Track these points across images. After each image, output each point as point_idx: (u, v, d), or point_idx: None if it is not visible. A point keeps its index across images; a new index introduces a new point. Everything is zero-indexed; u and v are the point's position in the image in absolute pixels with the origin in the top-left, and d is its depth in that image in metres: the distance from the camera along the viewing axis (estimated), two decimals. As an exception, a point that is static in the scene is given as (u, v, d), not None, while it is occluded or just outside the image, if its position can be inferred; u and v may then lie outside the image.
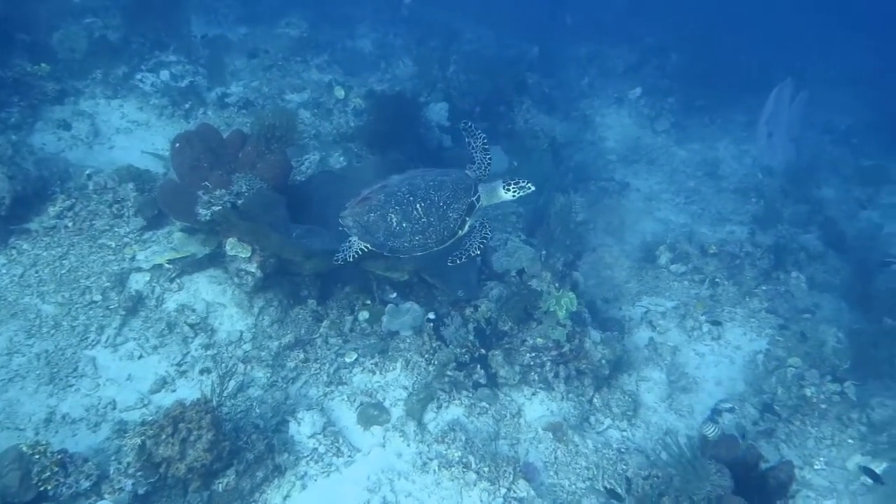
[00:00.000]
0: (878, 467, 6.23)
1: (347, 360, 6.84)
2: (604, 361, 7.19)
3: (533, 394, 7.04)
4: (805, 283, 9.08)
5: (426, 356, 6.91)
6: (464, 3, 17.51)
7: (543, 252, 8.20)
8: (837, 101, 17.45)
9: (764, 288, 9.03)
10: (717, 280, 9.10)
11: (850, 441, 6.62)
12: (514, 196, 6.09)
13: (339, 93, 10.34)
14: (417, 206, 5.82)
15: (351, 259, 6.14)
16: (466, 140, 6.27)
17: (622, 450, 6.60)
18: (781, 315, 8.63)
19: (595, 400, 7.18)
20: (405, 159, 9.45)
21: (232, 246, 6.67)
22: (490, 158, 6.21)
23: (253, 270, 6.70)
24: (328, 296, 7.33)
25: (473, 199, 6.00)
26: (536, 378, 7.05)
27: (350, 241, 6.13)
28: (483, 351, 7.02)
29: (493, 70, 12.14)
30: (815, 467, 6.51)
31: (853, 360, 7.44)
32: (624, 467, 6.38)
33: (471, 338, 7.02)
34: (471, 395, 6.79)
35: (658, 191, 12.69)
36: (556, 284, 7.49)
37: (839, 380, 7.11)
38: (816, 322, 8.38)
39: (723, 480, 5.27)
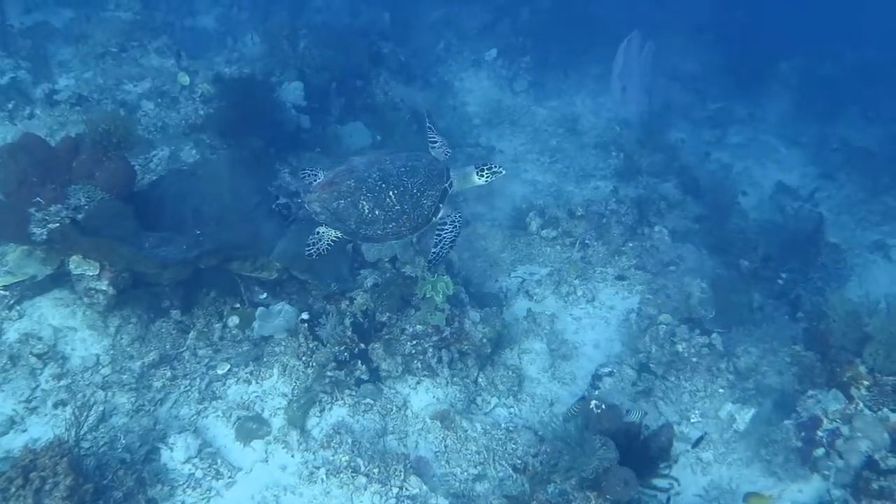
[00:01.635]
0: (747, 413, 6.58)
1: (220, 371, 6.45)
2: (485, 340, 7.16)
3: (418, 383, 6.92)
4: (668, 235, 9.40)
5: (304, 358, 6.62)
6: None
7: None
8: (683, 48, 18.18)
9: (631, 245, 9.29)
10: (586, 241, 9.26)
11: (720, 391, 6.96)
12: (486, 181, 5.96)
13: (184, 79, 9.59)
14: (390, 192, 5.58)
15: (324, 251, 5.73)
16: (428, 124, 6.15)
17: (510, 428, 6.62)
18: (650, 270, 8.92)
19: (480, 380, 7.16)
20: (263, 145, 8.98)
21: (77, 264, 6.07)
22: (446, 140, 6.10)
23: (104, 288, 6.14)
24: (193, 303, 6.86)
25: (447, 184, 5.83)
26: (420, 366, 6.92)
27: (318, 231, 5.77)
28: (363, 345, 6.80)
29: (346, 42, 11.67)
30: (692, 420, 6.81)
31: (717, 309, 7.81)
32: (513, 447, 6.40)
33: (349, 333, 6.77)
34: (354, 393, 6.59)
35: (523, 152, 12.77)
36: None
37: (707, 332, 7.45)
38: (681, 274, 8.72)
39: (608, 453, 5.36)
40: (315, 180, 5.93)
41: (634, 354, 7.51)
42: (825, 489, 5.80)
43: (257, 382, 6.48)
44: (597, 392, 7.11)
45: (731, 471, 6.33)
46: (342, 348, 6.67)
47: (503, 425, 6.68)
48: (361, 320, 7.00)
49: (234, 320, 6.78)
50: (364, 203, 5.57)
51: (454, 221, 5.86)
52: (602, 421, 5.76)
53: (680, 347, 7.22)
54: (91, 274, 6.04)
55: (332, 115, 10.87)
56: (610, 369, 7.32)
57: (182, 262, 6.12)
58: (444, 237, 5.80)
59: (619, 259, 9.13)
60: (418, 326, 7.01)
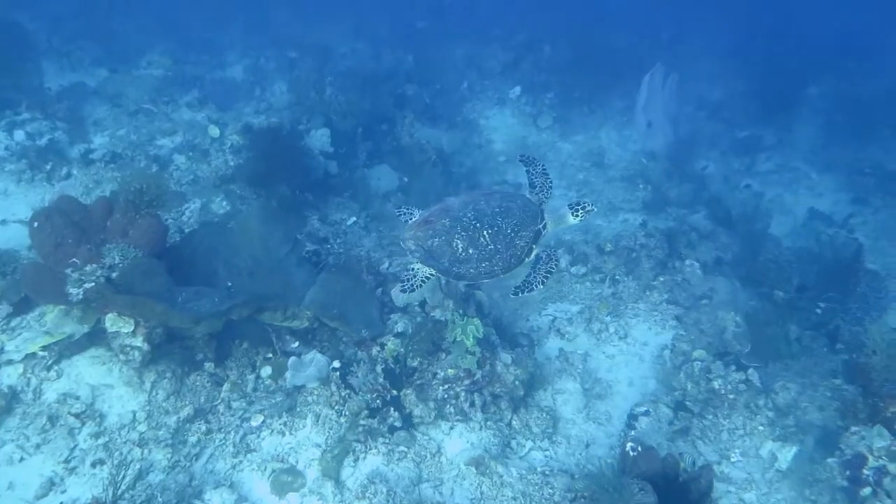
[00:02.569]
0: (789, 452, 6.41)
1: (254, 423, 6.49)
2: (517, 382, 7.11)
3: (451, 428, 6.87)
4: (699, 268, 9.29)
5: (336, 407, 6.64)
6: (334, 15, 17.17)
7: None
8: (707, 77, 18.17)
9: (662, 279, 9.18)
10: (616, 277, 9.20)
11: (760, 428, 6.78)
12: (580, 220, 6.17)
13: (214, 131, 9.86)
14: (485, 232, 5.75)
15: (418, 287, 5.99)
16: (526, 169, 6.28)
17: (546, 472, 6.52)
18: (682, 305, 8.80)
19: (514, 422, 7.09)
20: (291, 193, 9.15)
21: (112, 322, 6.20)
22: (551, 183, 6.22)
23: (139, 344, 6.26)
24: (226, 355, 6.95)
25: (540, 226, 5.99)
26: (452, 411, 6.88)
27: (413, 268, 6.04)
28: (395, 392, 6.80)
29: (371, 87, 11.95)
30: (732, 460, 6.63)
31: (752, 343, 7.66)
32: (550, 491, 6.31)
33: (380, 380, 6.79)
34: (387, 440, 6.57)
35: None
36: (461, 311, 7.37)
37: (743, 367, 7.30)
38: (714, 307, 8.57)
39: (646, 497, 5.27)
40: (410, 219, 6.16)
41: (670, 392, 7.39)
42: (874, 530, 5.61)
43: (291, 433, 6.50)
44: (633, 432, 6.99)
45: (775, 512, 6.16)
46: (374, 396, 6.69)
47: (539, 469, 6.58)
48: (393, 366, 7.01)
49: (266, 371, 6.85)
50: (458, 242, 5.74)
51: (550, 256, 6.06)
52: (639, 464, 5.67)
53: (716, 384, 7.09)
54: (126, 331, 6.16)
55: (358, 159, 11.07)
56: (646, 408, 7.20)
57: (214, 315, 6.21)
58: (533, 280, 6.00)
59: (650, 294, 9.03)
60: (450, 371, 6.98)
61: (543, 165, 6.30)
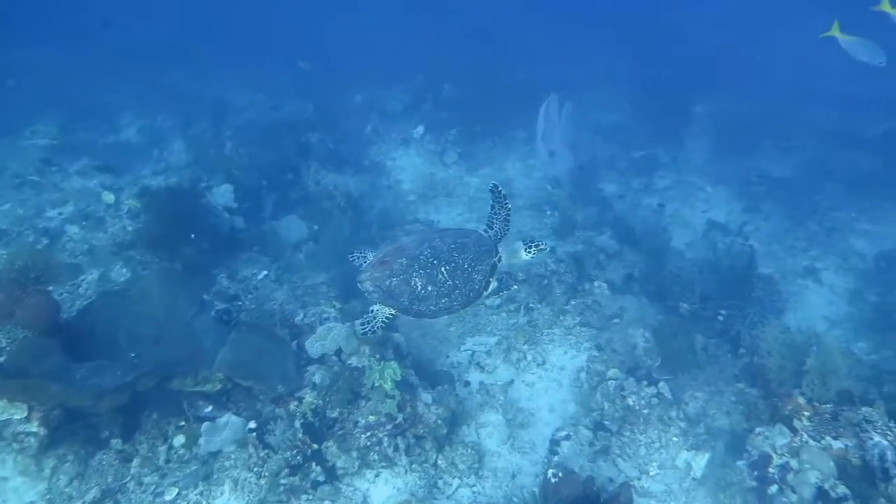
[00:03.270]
0: (702, 459, 6.63)
1: (167, 497, 6.25)
2: (440, 421, 7.13)
3: (376, 475, 6.80)
4: (608, 289, 9.57)
5: (255, 469, 6.47)
6: (229, 68, 17.10)
7: (359, 321, 7.98)
8: (602, 103, 18.96)
9: (574, 303, 9.39)
10: (530, 305, 9.35)
11: (674, 439, 6.99)
12: (532, 257, 6.34)
13: (108, 198, 9.59)
14: (442, 269, 5.81)
15: (379, 330, 5.96)
16: (492, 203, 6.29)
17: (475, 508, 6.54)
18: (594, 326, 9.02)
19: (440, 462, 7.06)
20: (197, 253, 8.97)
21: (2, 409, 5.89)
22: (508, 227, 6.33)
23: (35, 430, 5.98)
24: (135, 428, 6.68)
25: (496, 259, 6.12)
26: (377, 457, 6.83)
27: (372, 309, 6.01)
28: (316, 446, 6.71)
29: (273, 138, 11.91)
30: (651, 473, 6.80)
31: (662, 356, 7.93)
32: (479, 528, 6.31)
33: (300, 436, 6.68)
34: (311, 497, 6.45)
35: (461, 221, 12.96)
36: (378, 356, 7.35)
37: (654, 381, 7.53)
38: (625, 325, 8.84)
39: (570, 523, 5.35)
40: (365, 261, 6.21)
41: (588, 413, 7.53)
42: (786, 526, 5.84)
43: (208, 503, 6.28)
44: (556, 458, 7.08)
45: (695, 520, 6.34)
46: (294, 452, 6.57)
47: (467, 506, 6.59)
48: (312, 420, 6.92)
49: (179, 440, 6.63)
50: (417, 280, 5.79)
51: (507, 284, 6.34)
52: (560, 489, 5.76)
53: (630, 401, 7.28)
54: (19, 417, 5.87)
55: (265, 211, 10.96)
56: (566, 432, 7.32)
57: (118, 388, 6.01)
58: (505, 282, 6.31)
59: (563, 318, 9.21)
60: (371, 417, 6.94)
61: (508, 210, 6.30)
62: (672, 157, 16.11)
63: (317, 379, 7.22)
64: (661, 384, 7.45)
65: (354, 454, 6.76)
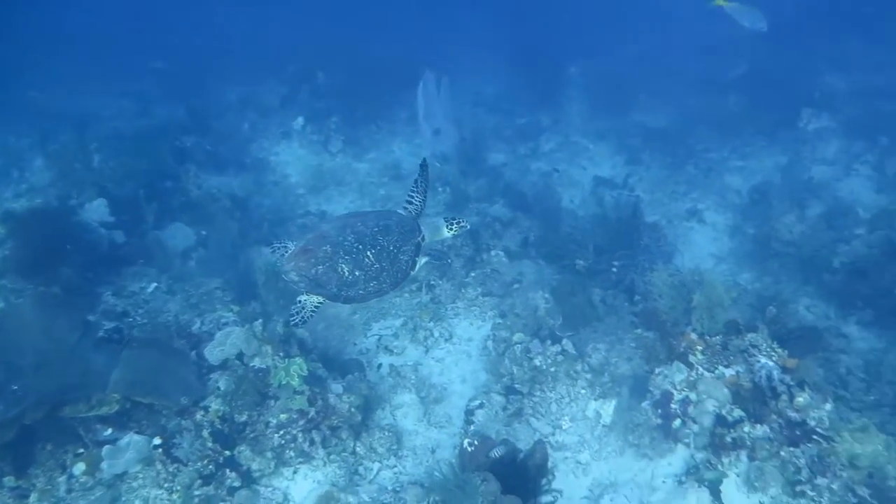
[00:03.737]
0: (609, 406, 6.87)
1: (75, 529, 5.96)
2: (353, 409, 7.08)
3: (294, 472, 6.71)
4: (505, 256, 9.72)
5: (166, 485, 6.26)
6: (90, 77, 16.18)
7: (259, 322, 7.78)
8: (480, 74, 19.15)
9: (473, 274, 9.50)
10: (431, 283, 9.38)
11: (582, 391, 7.21)
12: (454, 234, 6.49)
13: (-33, 228, 8.93)
14: (368, 252, 5.77)
15: (308, 319, 5.85)
16: (416, 177, 6.27)
17: (397, 489, 6.55)
18: (496, 294, 9.16)
19: (358, 449, 7.03)
20: (75, 274, 8.51)
21: None
22: (425, 202, 6.37)
23: (-83, 482, 5.53)
24: (29, 463, 6.31)
25: (419, 238, 6.13)
26: (293, 454, 6.73)
27: (300, 300, 5.88)
28: (227, 452, 6.54)
29: (145, 145, 11.35)
30: (564, 427, 7.00)
31: (563, 315, 8.14)
32: (404, 507, 6.33)
33: (209, 445, 6.50)
34: (228, 502, 6.29)
35: (354, 208, 12.84)
36: (281, 353, 7.21)
37: (558, 340, 7.73)
38: (525, 290, 9.03)
39: (490, 486, 5.43)
40: (286, 251, 6.03)
41: (499, 380, 7.66)
42: (689, 455, 6.14)
43: (119, 527, 6.04)
44: (472, 427, 7.18)
45: (608, 464, 6.56)
46: (206, 462, 6.40)
47: (390, 488, 6.61)
48: (221, 427, 6.73)
49: (80, 467, 6.30)
50: (343, 266, 5.70)
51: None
52: (477, 456, 5.83)
53: (537, 361, 7.45)
54: None
55: (147, 222, 10.50)
56: (480, 401, 7.43)
57: (1, 425, 5.63)
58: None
59: (466, 291, 9.30)
60: (282, 416, 6.82)
61: (426, 185, 6.38)
62: (554, 119, 16.51)
63: (221, 385, 7.01)
64: (564, 341, 7.66)
65: (269, 454, 6.63)
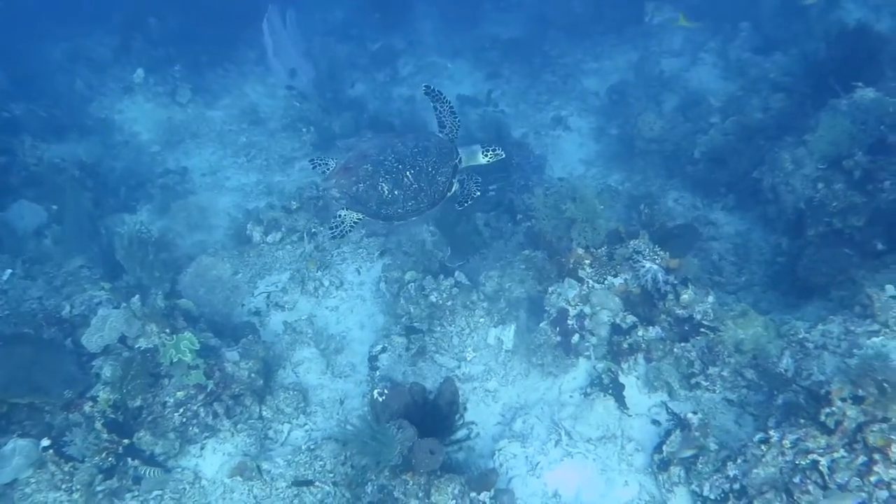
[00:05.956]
0: (509, 331, 7.03)
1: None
2: (253, 374, 6.90)
3: (202, 448, 6.51)
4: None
5: (64, 486, 5.94)
6: None
7: (136, 298, 7.30)
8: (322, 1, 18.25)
9: (354, 214, 9.27)
10: (313, 230, 9.09)
11: (481, 320, 7.30)
12: (489, 161, 6.69)
13: None
14: (407, 172, 6.03)
15: (348, 232, 6.31)
16: (433, 105, 6.58)
17: (312, 447, 6.49)
18: (380, 233, 9.00)
19: (265, 413, 6.88)
20: None
21: None
22: (459, 121, 6.64)
23: None
24: None
25: (456, 161, 6.40)
26: (197, 431, 6.52)
27: (340, 214, 6.27)
28: (126, 441, 6.23)
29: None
30: (468, 358, 7.10)
31: (451, 245, 8.16)
32: (321, 463, 6.30)
33: (105, 436, 6.16)
34: (136, 492, 6.06)
35: (217, 160, 12.15)
36: (167, 329, 6.84)
37: (450, 272, 7.76)
38: (409, 225, 8.87)
39: (405, 432, 5.47)
40: (327, 168, 6.37)
41: (398, 321, 7.61)
42: (591, 367, 6.42)
43: (20, 540, 5.67)
44: (378, 372, 7.18)
45: (515, 388, 6.75)
46: (104, 455, 6.10)
47: (304, 447, 6.53)
48: (114, 416, 6.38)
49: (-38, 486, 5.83)
50: (384, 184, 6.02)
51: (473, 182, 6.62)
52: (390, 404, 5.84)
53: (433, 297, 7.44)
54: None
55: (-15, 206, 9.52)
56: (382, 345, 7.40)
57: None
58: (467, 194, 6.64)
59: (349, 234, 9.04)
60: (179, 394, 6.54)
61: (451, 104, 6.63)
62: (408, 42, 16.07)
63: (106, 373, 6.59)
64: (456, 273, 7.69)
65: (172, 436, 6.39)
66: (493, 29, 15.91)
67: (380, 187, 6.04)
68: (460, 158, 6.50)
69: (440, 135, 6.61)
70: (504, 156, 6.85)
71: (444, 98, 6.68)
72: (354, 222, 6.31)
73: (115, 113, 12.95)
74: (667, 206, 9.36)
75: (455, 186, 6.54)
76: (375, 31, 16.28)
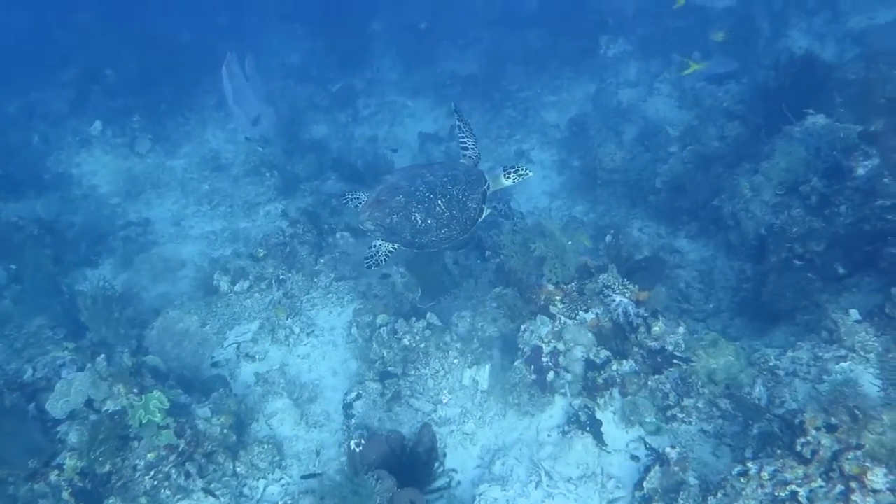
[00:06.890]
0: (484, 371, 7.00)
1: None
2: (225, 430, 6.76)
3: (174, 512, 6.32)
4: (351, 236, 9.46)
5: (32, 563, 5.69)
6: None
7: (102, 358, 7.12)
8: (281, 46, 18.35)
9: (323, 260, 9.19)
10: (281, 277, 9.01)
11: (455, 361, 7.24)
12: (514, 182, 6.70)
13: None
14: (439, 201, 6.13)
15: (382, 262, 6.41)
16: (457, 124, 6.69)
17: (289, 502, 6.34)
18: (349, 277, 8.94)
19: (238, 469, 6.72)
20: None
21: None
22: (477, 144, 6.80)
23: None
24: None
25: (485, 187, 6.49)
26: (170, 493, 6.32)
27: (375, 245, 6.42)
28: (96, 511, 6.02)
29: None
30: (444, 401, 7.02)
31: (421, 287, 8.13)
32: (298, 519, 6.16)
33: (73, 509, 5.95)
34: (109, 564, 5.84)
35: (179, 209, 12.05)
36: (136, 390, 6.68)
37: (421, 314, 7.71)
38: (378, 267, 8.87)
39: (384, 483, 5.40)
40: (359, 203, 6.56)
41: (371, 366, 7.51)
42: (568, 404, 6.40)
43: None
44: (353, 420, 7.07)
45: (493, 429, 6.67)
46: (73, 527, 5.85)
47: (280, 503, 6.38)
48: (82, 484, 6.18)
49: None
50: (416, 215, 6.13)
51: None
52: (367, 455, 5.77)
53: (406, 340, 7.37)
54: None
55: (-60, 268, 9.26)
56: (356, 392, 7.30)
57: None
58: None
59: (318, 279, 9.00)
60: (149, 455, 6.35)
61: (471, 127, 6.77)
62: (367, 81, 16.19)
63: (73, 438, 6.39)
64: (428, 314, 7.64)
65: (143, 500, 6.20)
66: (451, 66, 16.10)
67: (413, 217, 6.13)
68: (488, 184, 6.58)
69: (464, 161, 6.74)
70: (532, 174, 6.91)
71: (465, 118, 6.79)
72: (389, 252, 6.43)
73: (72, 167, 12.79)
74: (632, 236, 9.48)
75: (486, 212, 6.61)
76: (334, 72, 16.40)
